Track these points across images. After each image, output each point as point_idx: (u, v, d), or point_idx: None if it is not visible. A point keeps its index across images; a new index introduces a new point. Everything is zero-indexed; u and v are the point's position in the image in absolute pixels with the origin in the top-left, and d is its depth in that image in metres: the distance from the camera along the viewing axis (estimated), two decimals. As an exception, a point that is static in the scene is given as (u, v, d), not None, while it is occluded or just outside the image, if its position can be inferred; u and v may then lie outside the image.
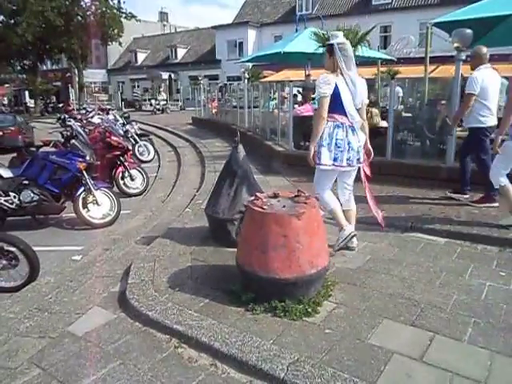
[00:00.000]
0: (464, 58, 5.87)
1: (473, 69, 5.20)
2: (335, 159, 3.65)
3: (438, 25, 8.12)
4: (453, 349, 2.50)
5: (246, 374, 2.40)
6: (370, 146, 3.95)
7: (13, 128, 13.12)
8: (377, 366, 2.34)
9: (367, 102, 3.84)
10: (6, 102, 39.32)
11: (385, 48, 24.00)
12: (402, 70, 17.12)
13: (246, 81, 14.11)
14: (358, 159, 3.74)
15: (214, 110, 17.78)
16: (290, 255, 2.87)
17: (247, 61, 15.41)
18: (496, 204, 5.00)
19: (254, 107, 12.45)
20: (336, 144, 3.62)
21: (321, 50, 8.73)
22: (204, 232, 4.56)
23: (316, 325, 2.78)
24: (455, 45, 5.79)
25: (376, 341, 2.58)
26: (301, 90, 11.19)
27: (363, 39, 8.71)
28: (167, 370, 2.47)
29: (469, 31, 5.73)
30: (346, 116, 3.62)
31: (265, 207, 2.99)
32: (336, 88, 3.56)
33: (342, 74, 3.58)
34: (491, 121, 5.06)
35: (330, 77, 3.58)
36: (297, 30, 14.70)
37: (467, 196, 5.38)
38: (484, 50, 5.21)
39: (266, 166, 8.08)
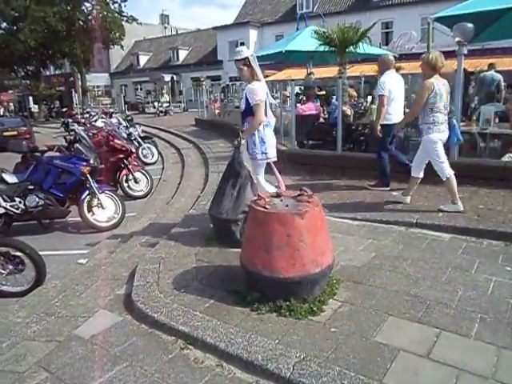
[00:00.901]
0: (466, 52, 5.83)
1: (380, 74, 6.02)
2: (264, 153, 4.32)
3: (440, 19, 8.09)
4: (459, 345, 2.49)
5: (252, 374, 2.41)
6: None
7: (25, 128, 15.05)
8: (383, 364, 2.33)
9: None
10: (12, 107, 39.55)
11: (386, 44, 23.94)
12: (405, 65, 17.04)
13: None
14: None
15: (216, 111, 17.78)
16: (293, 254, 2.87)
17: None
18: (388, 188, 5.93)
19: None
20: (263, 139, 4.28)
21: (322, 48, 8.73)
22: (208, 233, 4.56)
23: (321, 323, 2.78)
24: (457, 39, 5.76)
25: (382, 338, 2.57)
26: (303, 88, 11.18)
27: (364, 36, 8.69)
28: (174, 372, 2.48)
29: (470, 25, 5.71)
30: (267, 116, 4.25)
31: (268, 207, 2.99)
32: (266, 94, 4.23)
33: (259, 81, 4.17)
34: (395, 119, 5.73)
35: (261, 84, 4.18)
36: (298, 29, 14.67)
37: (388, 188, 5.96)
38: (390, 57, 6.08)
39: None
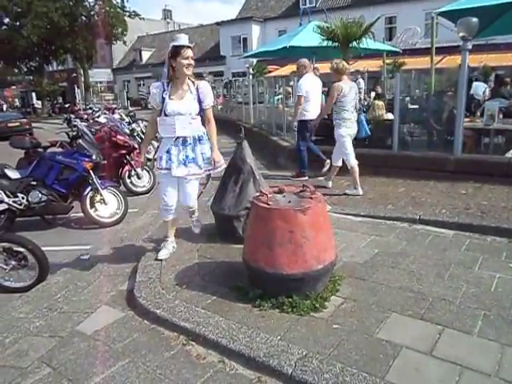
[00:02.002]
0: (470, 47, 5.79)
1: (299, 76, 6.79)
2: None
3: (444, 14, 8.04)
4: (462, 342, 2.47)
5: (254, 371, 2.40)
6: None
7: (25, 120, 19.21)
8: (385, 361, 2.32)
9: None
10: (18, 104, 39.53)
11: (390, 40, 23.81)
12: (408, 61, 16.98)
13: (250, 76, 14.08)
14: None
15: (219, 107, 17.77)
16: (296, 250, 2.86)
17: (251, 56, 15.36)
18: (305, 178, 6.56)
19: (259, 103, 12.42)
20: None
21: (325, 43, 8.68)
22: (210, 229, 4.56)
23: (324, 320, 2.77)
24: (461, 34, 5.72)
25: (384, 335, 2.56)
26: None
27: (368, 31, 8.62)
28: (176, 368, 2.48)
29: (475, 20, 5.66)
30: None
31: (270, 203, 2.98)
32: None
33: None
34: (311, 115, 6.56)
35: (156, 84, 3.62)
36: (301, 24, 14.59)
37: (306, 178, 6.58)
38: (306, 61, 6.78)
39: (272, 162, 8.06)
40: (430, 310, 2.82)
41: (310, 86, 6.62)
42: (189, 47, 3.42)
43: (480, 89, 9.05)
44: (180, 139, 3.58)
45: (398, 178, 6.08)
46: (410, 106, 8.63)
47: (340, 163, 5.81)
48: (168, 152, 3.59)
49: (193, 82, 3.60)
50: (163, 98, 3.52)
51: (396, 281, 3.26)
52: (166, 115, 3.53)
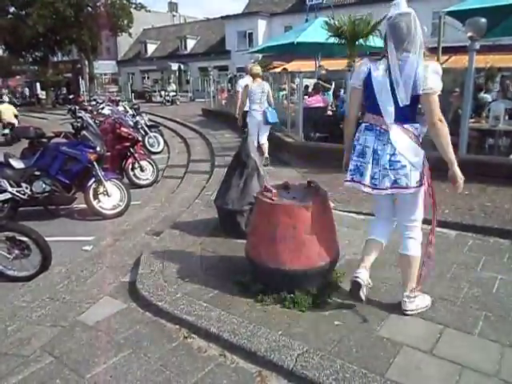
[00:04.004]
0: (478, 47, 5.76)
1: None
2: (353, 170, 2.71)
3: (452, 14, 7.99)
4: (463, 342, 2.48)
5: (255, 364, 2.42)
6: (455, 171, 2.81)
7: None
8: (386, 358, 2.33)
9: (435, 89, 2.50)
10: (27, 92, 39.36)
11: (396, 38, 23.62)
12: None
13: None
14: (395, 181, 2.59)
15: (223, 101, 17.73)
16: (299, 246, 2.87)
17: (257, 51, 15.29)
18: None
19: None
20: (361, 152, 2.67)
21: (332, 40, 8.64)
22: (213, 223, 4.57)
23: (325, 316, 2.78)
24: (469, 34, 5.69)
25: (385, 333, 2.57)
26: (312, 81, 11.11)
27: (375, 29, 8.57)
28: (177, 360, 2.50)
29: (483, 20, 5.63)
30: (382, 116, 2.60)
31: (274, 198, 2.98)
32: (368, 77, 2.61)
33: (386, 58, 2.57)
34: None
35: (364, 61, 2.69)
36: (307, 20, 14.53)
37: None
38: (250, 65, 7.92)
39: (276, 158, 8.05)
40: (431, 309, 2.83)
41: (255, 87, 7.43)
42: None
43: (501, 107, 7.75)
44: None
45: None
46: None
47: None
48: None
49: None
50: None
51: (398, 279, 3.25)
52: None
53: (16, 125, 13.06)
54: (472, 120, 5.97)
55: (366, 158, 2.63)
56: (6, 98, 18.19)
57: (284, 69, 11.50)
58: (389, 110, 2.56)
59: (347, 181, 2.76)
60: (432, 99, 2.52)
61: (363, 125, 2.71)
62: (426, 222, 2.96)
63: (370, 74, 2.61)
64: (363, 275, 2.72)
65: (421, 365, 2.29)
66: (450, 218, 4.44)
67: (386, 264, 3.53)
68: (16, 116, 14.12)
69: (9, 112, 13.75)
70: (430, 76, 2.49)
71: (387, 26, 2.61)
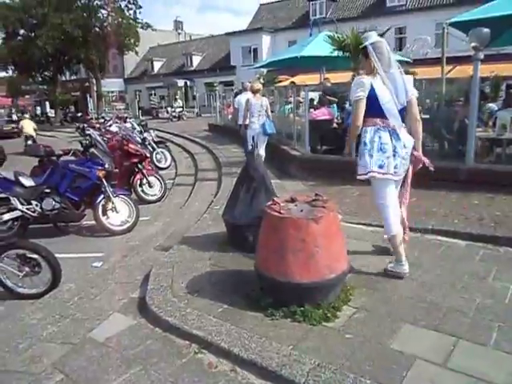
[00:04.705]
0: (482, 57, 5.77)
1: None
2: (380, 166, 3.25)
3: (454, 25, 8.03)
4: (477, 354, 2.44)
5: (266, 380, 2.39)
6: (420, 152, 3.44)
7: (14, 125, 23.37)
8: (399, 372, 2.30)
9: (416, 94, 3.35)
10: (39, 111, 40.19)
11: (400, 50, 23.79)
12: (419, 71, 16.93)
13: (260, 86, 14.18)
14: (406, 167, 3.36)
15: (229, 116, 17.85)
16: (308, 260, 2.86)
17: (262, 66, 15.46)
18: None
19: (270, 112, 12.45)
20: (381, 149, 3.24)
21: (336, 54, 8.71)
22: (222, 237, 4.57)
23: (336, 330, 2.76)
24: (472, 44, 5.71)
25: (398, 346, 2.54)
26: (317, 94, 11.18)
27: (378, 41, 8.65)
28: (187, 376, 2.48)
29: (486, 30, 5.65)
30: (387, 119, 3.26)
31: (282, 212, 2.99)
32: (372, 90, 3.22)
33: (378, 75, 3.25)
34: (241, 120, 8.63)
35: (365, 79, 3.27)
36: (311, 35, 14.70)
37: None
38: (249, 84, 9.23)
39: (283, 171, 8.07)
40: (443, 320, 2.79)
41: (242, 101, 8.89)
42: None
43: (507, 116, 7.48)
44: None
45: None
46: (422, 116, 8.59)
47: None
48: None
49: None
50: None
51: (408, 291, 3.23)
52: None
53: (34, 137, 16.15)
54: (479, 129, 5.96)
55: (388, 152, 3.25)
56: (27, 115, 20.97)
57: (292, 82, 11.63)
58: (396, 114, 3.27)
59: (372, 172, 3.29)
60: (416, 101, 3.40)
61: (372, 127, 3.30)
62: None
63: (372, 87, 3.23)
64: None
65: (434, 378, 2.25)
66: (460, 228, 4.41)
67: (396, 276, 3.50)
68: (35, 130, 16.76)
69: (29, 126, 16.46)
70: (411, 85, 3.35)
71: (372, 48, 3.28)
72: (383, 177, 3.28)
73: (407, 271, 3.42)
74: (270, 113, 8.18)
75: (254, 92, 8.06)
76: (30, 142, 15.28)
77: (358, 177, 3.41)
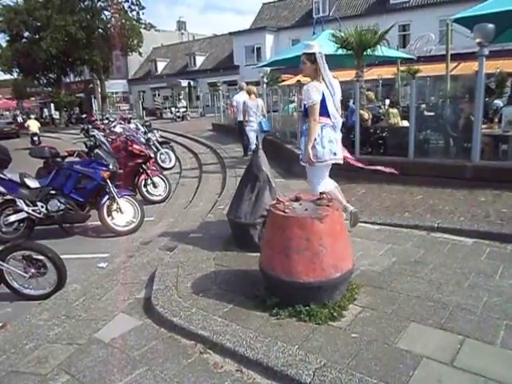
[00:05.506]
0: (487, 53, 5.73)
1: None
2: (334, 154, 3.98)
3: (459, 21, 7.98)
4: (485, 353, 2.42)
5: (272, 380, 2.39)
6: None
7: (13, 126, 27.54)
8: (405, 371, 2.28)
9: (340, 98, 4.09)
10: (47, 113, 40.45)
11: (404, 47, 23.70)
12: (423, 68, 16.85)
13: (264, 85, 14.15)
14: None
15: (233, 116, 17.85)
16: (313, 259, 2.84)
17: (265, 65, 15.40)
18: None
19: (274, 111, 12.46)
20: (330, 141, 3.96)
21: (339, 52, 8.68)
22: (226, 237, 4.57)
23: (342, 329, 2.74)
24: (477, 40, 5.66)
25: (404, 345, 2.52)
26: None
27: (382, 39, 8.59)
28: (193, 376, 2.48)
29: (491, 26, 5.61)
30: (330, 117, 3.96)
31: (287, 211, 2.98)
32: (322, 94, 3.86)
33: (323, 80, 3.89)
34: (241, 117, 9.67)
35: (317, 84, 3.88)
36: (314, 33, 14.66)
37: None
38: (245, 85, 10.42)
39: (287, 170, 8.05)
40: (450, 319, 2.77)
41: (240, 101, 9.95)
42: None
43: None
44: None
45: (415, 186, 6.01)
46: (426, 113, 8.55)
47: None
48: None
49: None
50: None
51: (415, 290, 3.21)
52: None
53: (38, 133, 19.04)
54: (484, 126, 5.90)
55: (334, 143, 3.97)
56: (32, 116, 23.91)
57: (298, 81, 11.59)
58: (335, 113, 3.98)
59: (326, 160, 3.97)
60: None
61: (321, 125, 3.93)
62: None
63: (323, 92, 3.86)
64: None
65: (442, 377, 2.23)
66: (466, 226, 4.38)
67: (402, 274, 3.49)
68: (39, 128, 19.82)
69: (34, 125, 19.54)
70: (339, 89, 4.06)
71: (320, 57, 3.86)
72: (331, 162, 4.03)
73: (352, 208, 4.23)
74: (265, 112, 9.23)
75: (250, 93, 9.06)
76: (35, 138, 18.40)
77: (312, 164, 3.96)
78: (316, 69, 3.88)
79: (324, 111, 3.91)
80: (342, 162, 4.11)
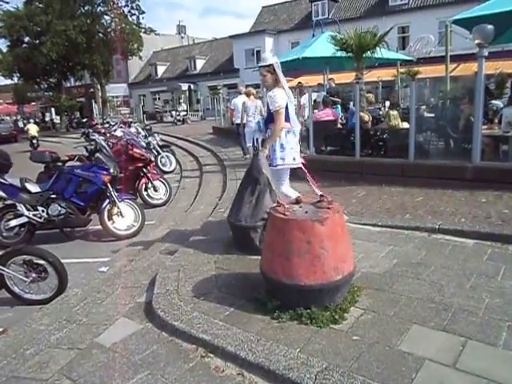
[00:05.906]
0: (486, 54, 5.73)
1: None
2: (294, 159, 4.28)
3: (458, 22, 8.00)
4: (487, 354, 2.41)
5: (274, 383, 2.37)
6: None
7: (11, 130, 28.64)
8: (408, 374, 2.27)
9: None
10: (48, 117, 40.40)
11: (403, 49, 23.72)
12: (423, 69, 16.89)
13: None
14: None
15: (230, 119, 17.87)
16: (314, 261, 2.83)
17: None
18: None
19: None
20: (292, 147, 4.25)
21: (339, 54, 8.69)
22: (227, 240, 4.56)
23: (343, 332, 2.73)
24: (477, 41, 5.67)
25: (406, 347, 2.51)
26: (320, 94, 11.17)
27: (381, 41, 8.60)
28: (194, 380, 2.47)
29: (490, 27, 5.62)
30: (290, 122, 4.21)
31: (287, 214, 2.97)
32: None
33: (283, 88, 4.15)
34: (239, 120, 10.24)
35: (282, 91, 4.14)
36: (313, 36, 14.66)
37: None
38: (241, 87, 11.68)
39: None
40: (452, 321, 2.76)
41: (239, 103, 10.39)
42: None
43: None
44: None
45: (415, 187, 6.00)
46: (426, 115, 8.55)
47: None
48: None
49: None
50: None
51: (416, 291, 3.20)
52: None
53: (37, 136, 20.37)
54: (484, 127, 5.90)
55: (295, 148, 4.31)
56: (31, 121, 25.45)
57: (299, 83, 11.68)
58: (294, 119, 4.27)
59: (287, 164, 4.29)
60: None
61: (285, 129, 4.18)
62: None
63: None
64: None
65: (444, 379, 2.22)
66: (467, 227, 4.37)
67: (403, 276, 3.48)
68: (38, 132, 21.22)
69: (33, 129, 20.97)
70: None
71: (278, 67, 4.14)
72: (292, 166, 4.33)
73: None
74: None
75: (248, 95, 9.59)
76: (34, 141, 19.94)
77: (278, 167, 4.27)
78: (276, 79, 4.15)
79: (287, 117, 4.16)
80: (300, 166, 4.37)
